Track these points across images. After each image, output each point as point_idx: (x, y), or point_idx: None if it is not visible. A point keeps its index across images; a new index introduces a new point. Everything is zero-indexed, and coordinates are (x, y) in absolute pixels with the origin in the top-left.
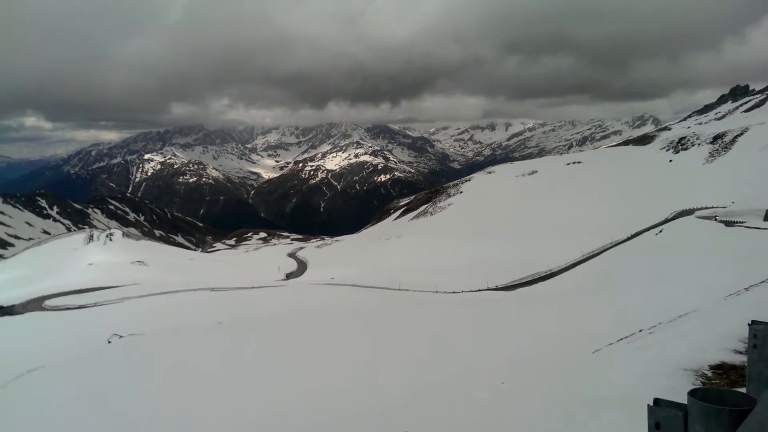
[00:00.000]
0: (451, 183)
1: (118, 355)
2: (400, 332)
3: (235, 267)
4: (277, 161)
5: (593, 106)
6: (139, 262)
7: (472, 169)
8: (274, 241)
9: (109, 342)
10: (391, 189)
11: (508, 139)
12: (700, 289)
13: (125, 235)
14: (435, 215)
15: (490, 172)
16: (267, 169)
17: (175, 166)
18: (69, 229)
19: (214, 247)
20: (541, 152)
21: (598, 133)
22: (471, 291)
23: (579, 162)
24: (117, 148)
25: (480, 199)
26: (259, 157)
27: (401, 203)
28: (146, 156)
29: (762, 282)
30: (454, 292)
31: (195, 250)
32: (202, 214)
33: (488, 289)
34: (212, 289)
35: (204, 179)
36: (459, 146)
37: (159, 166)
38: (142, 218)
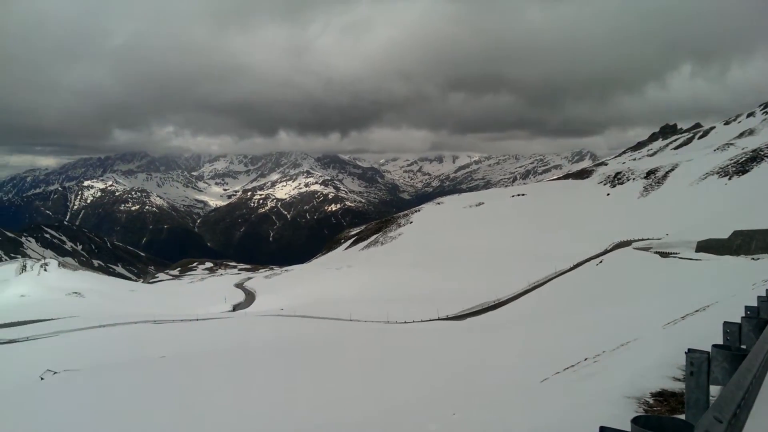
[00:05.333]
0: (401, 213)
1: (52, 392)
2: (349, 364)
3: (179, 298)
4: (225, 189)
5: (533, 141)
6: (75, 293)
7: (421, 199)
8: (220, 271)
9: (42, 379)
10: (341, 218)
11: (456, 171)
12: (640, 317)
13: (61, 265)
14: (385, 245)
15: (439, 203)
16: (214, 197)
17: (117, 194)
18: (0, 259)
19: (157, 277)
20: (487, 184)
21: (540, 167)
22: (422, 321)
23: (523, 194)
24: (54, 174)
25: (430, 229)
26: (207, 185)
27: (352, 233)
28: (86, 183)
29: (696, 311)
30: (405, 323)
31: (136, 280)
32: (144, 243)
33: (439, 319)
34: (154, 321)
35: (147, 207)
36: (408, 177)
37: (99, 194)
38: (80, 247)
